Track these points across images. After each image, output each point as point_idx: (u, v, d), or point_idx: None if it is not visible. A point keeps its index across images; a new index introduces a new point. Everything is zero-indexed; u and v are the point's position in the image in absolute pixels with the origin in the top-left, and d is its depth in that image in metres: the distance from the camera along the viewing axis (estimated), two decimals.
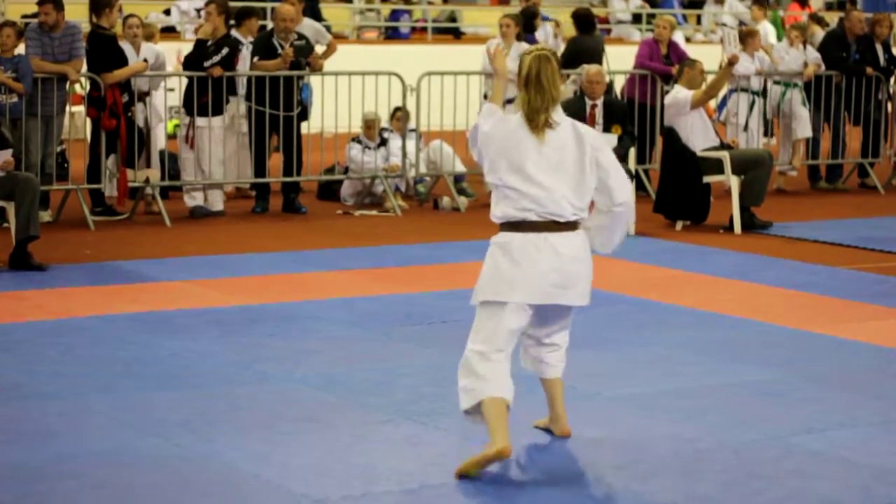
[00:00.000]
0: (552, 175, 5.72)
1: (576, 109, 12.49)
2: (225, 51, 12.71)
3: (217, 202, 13.07)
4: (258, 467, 5.75)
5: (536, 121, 5.77)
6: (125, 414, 6.53)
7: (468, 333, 5.84)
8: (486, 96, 13.60)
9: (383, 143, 13.92)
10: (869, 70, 15.37)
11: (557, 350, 6.04)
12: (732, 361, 7.72)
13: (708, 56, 15.02)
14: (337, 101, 13.61)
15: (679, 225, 12.54)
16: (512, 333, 5.77)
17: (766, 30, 16.84)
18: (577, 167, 5.77)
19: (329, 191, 14.18)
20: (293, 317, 8.73)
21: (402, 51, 20.96)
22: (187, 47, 13.70)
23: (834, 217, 13.48)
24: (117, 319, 8.56)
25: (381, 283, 9.83)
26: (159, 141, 13.39)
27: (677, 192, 12.48)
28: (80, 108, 13.67)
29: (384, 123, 14.24)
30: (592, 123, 12.43)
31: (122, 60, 12.43)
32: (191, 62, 12.82)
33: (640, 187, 13.62)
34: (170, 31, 19.94)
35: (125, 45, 12.66)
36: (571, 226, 5.78)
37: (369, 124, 13.83)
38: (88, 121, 12.66)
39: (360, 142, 13.81)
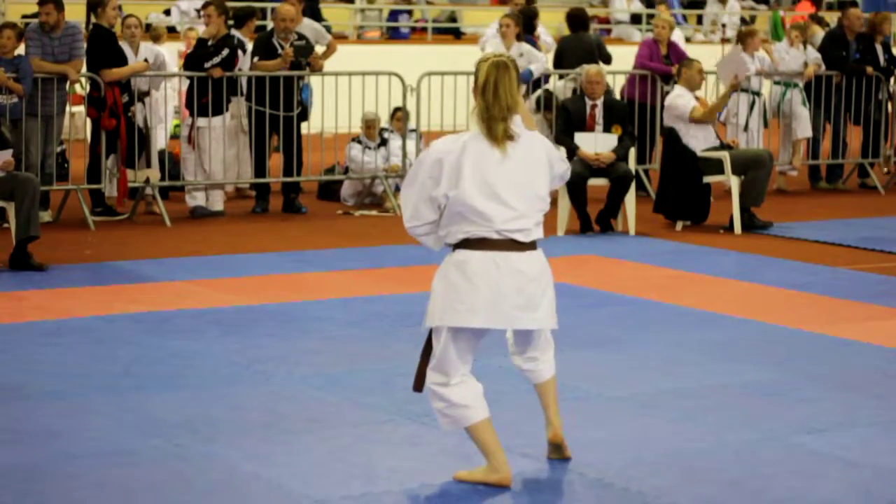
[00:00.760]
0: (514, 191, 5.40)
1: (576, 109, 12.52)
2: (225, 52, 12.71)
3: (217, 202, 13.08)
4: (258, 467, 5.75)
5: (495, 130, 5.41)
6: (125, 414, 6.53)
7: None
8: None
9: (383, 143, 13.92)
10: (869, 70, 15.37)
11: (537, 360, 5.76)
12: (732, 361, 7.72)
13: (708, 56, 15.01)
14: (337, 101, 13.61)
15: (679, 225, 12.55)
16: (471, 352, 5.53)
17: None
18: (539, 182, 5.49)
19: (329, 191, 14.18)
20: (293, 317, 8.73)
21: (402, 51, 20.97)
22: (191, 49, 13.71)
23: (834, 217, 13.48)
24: (117, 319, 8.56)
25: (381, 283, 9.83)
26: (159, 141, 13.39)
27: (677, 192, 12.48)
28: (81, 109, 13.67)
29: (384, 123, 14.25)
30: (592, 123, 12.44)
31: (122, 59, 12.43)
32: (191, 61, 12.83)
33: (640, 187, 13.63)
34: (170, 32, 19.92)
35: (123, 45, 12.65)
36: (532, 245, 5.47)
37: (369, 124, 13.83)
38: (88, 121, 12.67)
39: (360, 142, 13.82)
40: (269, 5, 19.23)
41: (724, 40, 22.72)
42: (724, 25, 25.69)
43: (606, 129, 12.43)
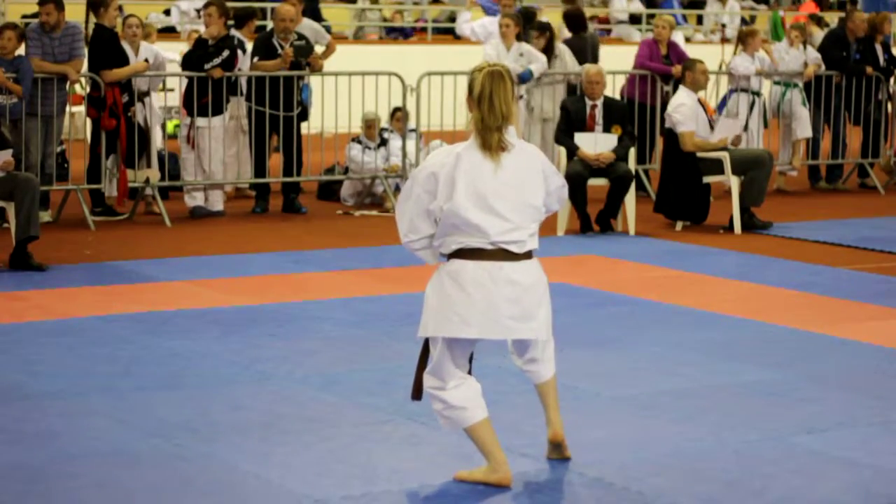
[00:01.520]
0: (508, 202, 5.38)
1: (576, 109, 12.51)
2: (226, 53, 12.71)
3: (217, 202, 13.08)
4: (258, 467, 5.75)
5: (490, 141, 5.38)
6: (125, 414, 6.53)
7: None
8: None
9: (383, 143, 13.92)
10: (869, 70, 15.37)
11: (537, 361, 5.75)
12: (732, 361, 7.72)
13: (708, 56, 15.00)
14: (337, 102, 13.61)
15: (679, 225, 12.55)
16: (466, 357, 5.53)
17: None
18: (533, 192, 5.47)
19: (329, 191, 14.18)
20: (293, 317, 8.73)
21: (402, 51, 20.97)
22: None
23: (834, 217, 13.48)
24: (117, 319, 8.56)
25: (381, 283, 9.83)
26: (156, 141, 13.38)
27: (677, 192, 12.48)
28: (81, 109, 13.68)
29: (384, 123, 14.25)
30: (592, 124, 12.44)
31: (123, 59, 12.44)
32: (190, 61, 12.82)
33: (640, 187, 13.63)
34: (170, 32, 19.93)
35: (124, 45, 12.65)
36: (527, 255, 5.46)
37: (369, 124, 13.84)
38: (88, 121, 12.67)
39: (360, 142, 13.81)
40: (269, 5, 19.23)
41: (724, 40, 22.71)
42: (723, 26, 25.70)
43: (606, 130, 12.42)
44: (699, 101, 12.63)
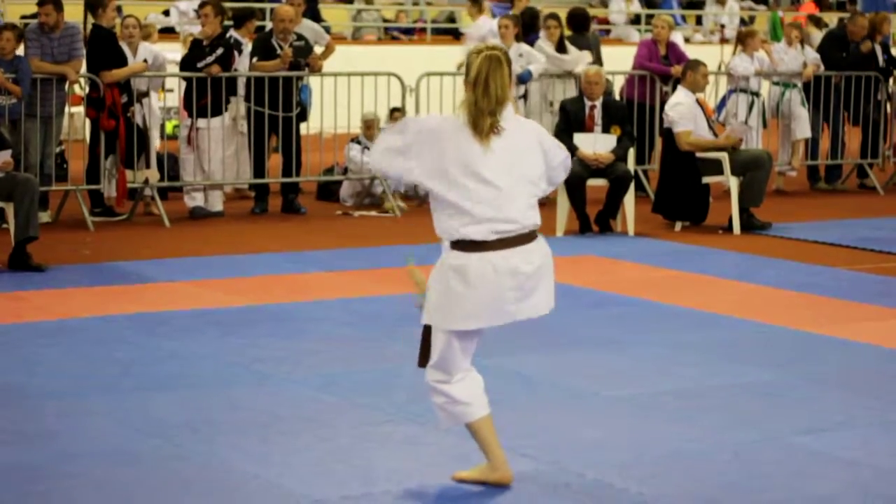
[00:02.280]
0: (498, 173, 5.28)
1: (575, 110, 12.51)
2: (220, 50, 12.71)
3: (217, 203, 13.08)
4: (258, 467, 5.75)
5: (481, 125, 5.28)
6: (125, 414, 6.53)
7: None
8: None
9: None
10: (867, 45, 15.33)
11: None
12: (732, 362, 7.72)
13: (707, 56, 15.01)
14: (336, 102, 13.61)
15: (678, 225, 12.55)
16: (473, 348, 5.51)
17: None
18: (528, 166, 5.40)
19: (328, 191, 14.18)
20: (293, 317, 8.73)
21: (401, 51, 20.96)
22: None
23: (834, 217, 13.48)
24: (117, 320, 8.56)
25: (381, 284, 9.83)
26: (155, 142, 13.38)
27: (676, 192, 12.48)
28: (80, 109, 13.67)
29: (383, 124, 14.25)
30: (592, 124, 12.44)
31: (122, 60, 12.43)
32: (187, 63, 12.82)
33: (639, 188, 13.63)
34: (169, 32, 19.92)
35: (122, 46, 12.64)
36: (530, 236, 5.40)
37: (368, 125, 13.84)
38: (87, 121, 12.67)
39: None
40: (268, 6, 19.23)
41: (723, 41, 22.71)
42: (722, 26, 25.69)
43: (605, 130, 12.42)
44: (698, 101, 12.63)
